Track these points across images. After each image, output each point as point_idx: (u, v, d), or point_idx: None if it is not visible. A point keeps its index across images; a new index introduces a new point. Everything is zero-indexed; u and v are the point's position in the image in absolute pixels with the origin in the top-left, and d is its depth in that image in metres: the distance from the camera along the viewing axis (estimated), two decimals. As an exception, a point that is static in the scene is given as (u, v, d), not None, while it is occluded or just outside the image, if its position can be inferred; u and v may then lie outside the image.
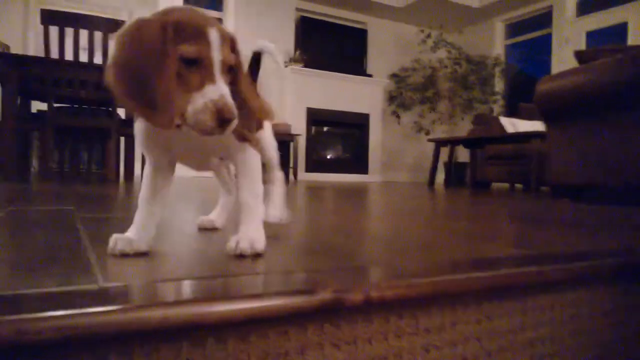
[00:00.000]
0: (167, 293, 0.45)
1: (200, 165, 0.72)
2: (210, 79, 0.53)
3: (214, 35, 0.54)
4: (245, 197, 0.64)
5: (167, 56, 0.51)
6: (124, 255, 0.59)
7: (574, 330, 0.66)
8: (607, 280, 0.70)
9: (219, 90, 0.52)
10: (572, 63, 4.86)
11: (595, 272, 0.64)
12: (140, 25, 0.53)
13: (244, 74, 0.60)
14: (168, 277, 0.51)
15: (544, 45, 6.00)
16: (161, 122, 0.51)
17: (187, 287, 0.47)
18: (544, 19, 5.94)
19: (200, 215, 0.89)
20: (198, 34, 0.53)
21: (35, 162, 4.50)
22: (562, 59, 5.63)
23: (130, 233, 0.61)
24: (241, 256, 0.60)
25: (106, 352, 0.39)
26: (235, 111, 0.52)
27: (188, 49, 0.52)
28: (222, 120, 0.52)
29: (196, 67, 0.53)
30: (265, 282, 0.50)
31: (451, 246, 0.78)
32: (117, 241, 0.59)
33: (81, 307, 0.38)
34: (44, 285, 0.45)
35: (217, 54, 0.53)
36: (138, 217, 0.63)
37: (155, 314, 0.39)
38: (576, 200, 2.48)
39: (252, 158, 0.65)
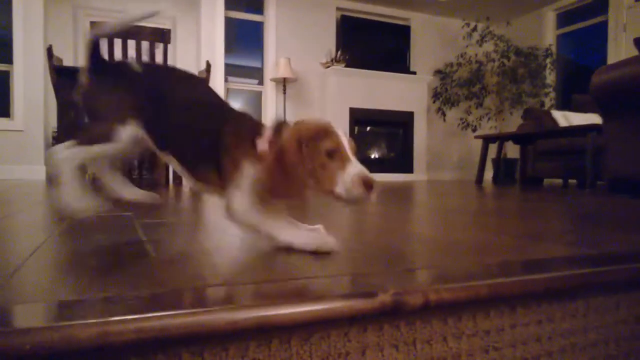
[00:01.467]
0: (234, 296, 0.48)
1: None
2: (349, 160, 0.66)
3: (338, 130, 0.68)
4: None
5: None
6: None
7: (638, 331, 0.63)
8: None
9: (357, 166, 0.65)
10: (631, 52, 4.59)
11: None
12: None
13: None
14: (234, 281, 0.53)
15: (598, 34, 5.68)
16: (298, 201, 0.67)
17: (252, 291, 0.50)
18: (599, 6, 5.63)
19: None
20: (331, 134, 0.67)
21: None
22: (620, 48, 5.32)
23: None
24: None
25: (179, 352, 0.42)
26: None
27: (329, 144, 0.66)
28: (369, 186, 0.63)
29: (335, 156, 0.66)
30: (326, 285, 0.52)
31: (504, 246, 0.77)
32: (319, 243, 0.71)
33: (155, 310, 0.41)
34: (119, 289, 0.49)
35: (346, 143, 0.67)
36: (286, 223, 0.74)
37: (224, 317, 0.42)
38: (636, 196, 2.34)
39: None
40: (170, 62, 5.11)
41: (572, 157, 4.11)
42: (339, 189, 0.64)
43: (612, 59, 5.34)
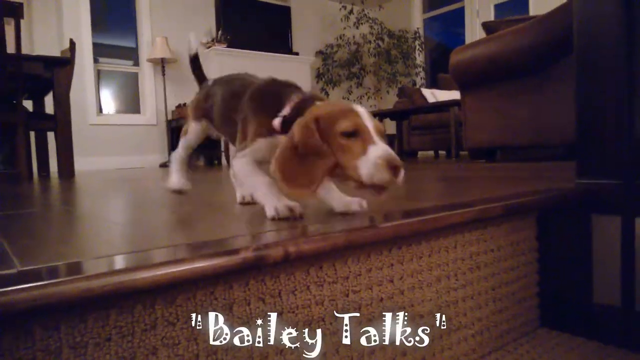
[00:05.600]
0: (90, 268, 0.46)
1: None
2: (371, 141, 0.60)
3: (361, 110, 0.64)
4: None
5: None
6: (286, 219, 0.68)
7: (472, 265, 0.75)
8: (496, 221, 0.79)
9: (381, 147, 0.60)
10: (483, 34, 5.17)
11: (486, 215, 0.73)
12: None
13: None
14: (94, 255, 0.52)
15: (458, 18, 6.30)
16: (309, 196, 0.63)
17: (108, 262, 0.49)
18: (458, -7, 6.22)
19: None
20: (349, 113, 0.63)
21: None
22: (474, 31, 5.96)
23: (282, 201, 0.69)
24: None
25: (30, 327, 0.40)
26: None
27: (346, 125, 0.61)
28: (394, 169, 0.58)
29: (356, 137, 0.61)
30: (188, 249, 0.53)
31: (376, 206, 0.84)
32: (277, 209, 0.68)
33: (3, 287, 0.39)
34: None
35: (369, 124, 0.62)
36: (266, 187, 0.71)
37: (77, 286, 0.40)
38: (490, 161, 2.69)
39: None
40: (25, 41, 4.51)
41: (440, 130, 4.54)
42: (362, 173, 0.59)
43: (469, 41, 5.95)
